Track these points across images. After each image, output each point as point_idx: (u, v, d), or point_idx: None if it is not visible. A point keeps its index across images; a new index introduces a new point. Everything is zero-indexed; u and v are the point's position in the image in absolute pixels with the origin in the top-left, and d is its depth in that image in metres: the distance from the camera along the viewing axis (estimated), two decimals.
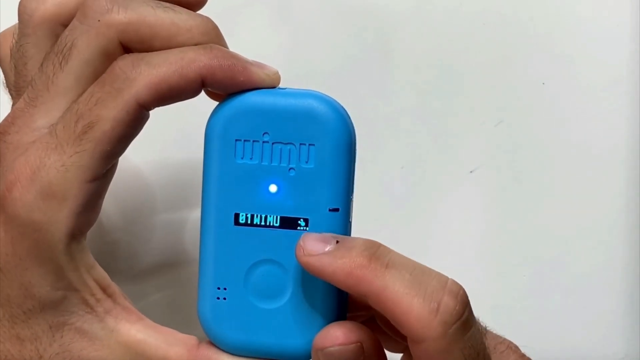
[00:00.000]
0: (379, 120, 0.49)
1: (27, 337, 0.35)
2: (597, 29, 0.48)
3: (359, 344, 0.33)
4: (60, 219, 0.34)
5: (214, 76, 0.33)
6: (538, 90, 0.49)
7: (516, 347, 0.38)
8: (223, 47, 0.34)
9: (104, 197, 0.35)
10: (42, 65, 0.35)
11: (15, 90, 0.37)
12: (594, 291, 0.48)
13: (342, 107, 0.34)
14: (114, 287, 0.36)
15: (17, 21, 0.48)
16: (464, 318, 0.31)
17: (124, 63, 0.33)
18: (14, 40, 0.37)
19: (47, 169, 0.33)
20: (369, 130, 0.48)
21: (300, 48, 0.49)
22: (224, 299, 0.35)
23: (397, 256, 0.32)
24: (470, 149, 0.49)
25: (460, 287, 0.32)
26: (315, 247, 0.33)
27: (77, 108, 0.33)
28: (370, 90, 0.48)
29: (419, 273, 0.32)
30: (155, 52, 0.34)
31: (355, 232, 0.35)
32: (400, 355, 0.38)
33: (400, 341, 0.37)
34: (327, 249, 0.32)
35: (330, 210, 0.34)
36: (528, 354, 0.39)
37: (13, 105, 0.37)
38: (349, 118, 0.34)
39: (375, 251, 0.32)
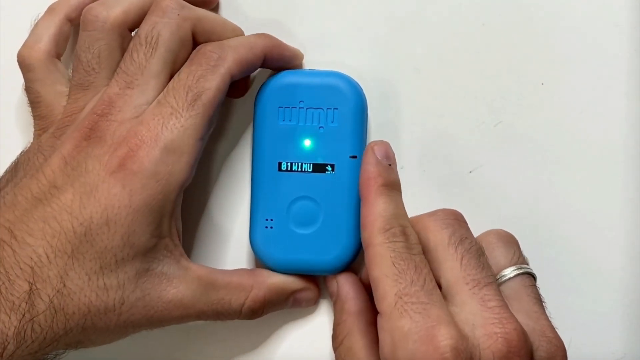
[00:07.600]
0: (379, 120, 0.49)
1: (113, 286, 0.40)
2: (597, 29, 0.48)
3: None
4: (178, 169, 0.41)
5: (272, 54, 0.45)
6: (538, 90, 0.49)
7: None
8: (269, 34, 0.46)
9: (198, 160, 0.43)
10: (131, 55, 0.43)
11: (77, 84, 0.44)
12: (594, 291, 0.48)
13: (357, 82, 0.46)
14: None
15: (17, 22, 0.49)
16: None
17: (212, 47, 0.43)
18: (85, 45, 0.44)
19: (169, 130, 0.41)
20: (369, 130, 0.48)
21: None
22: (271, 227, 0.46)
23: None
24: (470, 149, 0.49)
25: None
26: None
27: (184, 82, 0.42)
28: (370, 90, 0.48)
29: None
30: (227, 40, 0.44)
31: None
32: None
33: None
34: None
35: (350, 157, 0.45)
36: None
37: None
38: (362, 90, 0.46)
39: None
